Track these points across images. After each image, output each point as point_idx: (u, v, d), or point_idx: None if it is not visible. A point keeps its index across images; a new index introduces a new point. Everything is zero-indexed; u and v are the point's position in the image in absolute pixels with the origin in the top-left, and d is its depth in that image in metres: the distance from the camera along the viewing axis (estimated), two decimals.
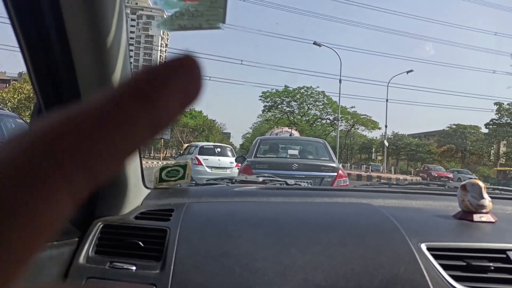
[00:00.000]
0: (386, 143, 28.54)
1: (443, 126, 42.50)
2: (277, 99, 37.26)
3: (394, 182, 2.78)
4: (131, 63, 0.88)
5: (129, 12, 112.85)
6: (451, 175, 26.41)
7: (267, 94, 37.09)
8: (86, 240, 0.87)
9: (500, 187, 1.61)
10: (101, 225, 0.91)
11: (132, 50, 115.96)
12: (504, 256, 0.76)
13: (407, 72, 29.33)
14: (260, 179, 1.61)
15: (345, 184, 4.69)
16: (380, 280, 0.71)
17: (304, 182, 4.41)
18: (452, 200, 1.05)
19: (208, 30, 0.63)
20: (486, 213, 0.92)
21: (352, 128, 40.43)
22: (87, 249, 0.85)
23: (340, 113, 37.01)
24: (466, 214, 0.93)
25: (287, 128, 14.94)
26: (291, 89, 36.63)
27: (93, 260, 0.83)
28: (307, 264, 0.74)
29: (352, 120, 38.69)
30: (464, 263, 0.75)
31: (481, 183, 0.92)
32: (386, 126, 28.97)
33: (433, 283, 0.70)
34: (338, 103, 26.13)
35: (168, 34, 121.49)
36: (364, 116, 38.70)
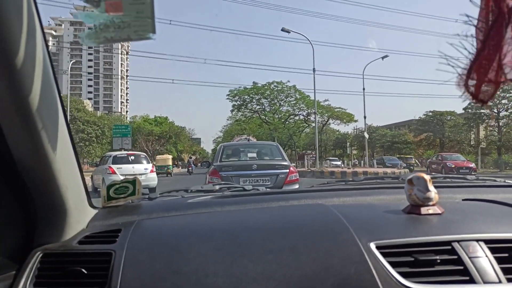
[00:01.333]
0: (367, 135, 26.41)
1: (417, 115, 41.32)
2: (245, 97, 34.55)
3: (351, 179, 1.65)
4: (55, 64, 0.76)
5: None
6: (472, 165, 20.96)
7: (235, 92, 34.32)
8: (24, 272, 0.80)
9: (450, 175, 1.63)
10: (40, 254, 0.84)
11: (91, 57, 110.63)
12: (450, 247, 0.77)
13: (382, 58, 27.41)
14: (217, 187, 1.46)
15: (296, 178, 5.54)
16: (331, 284, 0.71)
17: (263, 178, 5.30)
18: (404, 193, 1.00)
19: (138, 41, 0.64)
20: (433, 205, 0.92)
21: (327, 123, 38.24)
22: (25, 282, 0.79)
23: (314, 107, 34.89)
24: (414, 208, 0.93)
25: (245, 136, 17.49)
26: (260, 85, 34.04)
27: None
28: (259, 275, 0.73)
29: (326, 114, 36.53)
30: (412, 259, 0.75)
31: (426, 176, 0.92)
32: (365, 117, 26.87)
33: (381, 282, 0.71)
34: (313, 94, 23.57)
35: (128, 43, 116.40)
36: (338, 109, 36.67)
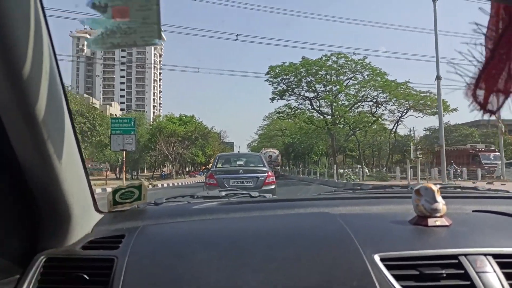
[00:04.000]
0: (503, 126, 15.58)
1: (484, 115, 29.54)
2: (291, 78, 24.64)
3: (359, 187, 1.67)
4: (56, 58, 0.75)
5: None
6: None
7: (277, 70, 24.50)
8: (27, 277, 0.81)
9: (461, 186, 1.63)
10: (44, 259, 0.85)
11: (124, 63, 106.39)
12: (456, 261, 0.76)
13: None
14: (223, 193, 1.51)
15: (272, 181, 7.31)
16: None
17: (247, 180, 7.12)
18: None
19: (144, 46, 0.65)
20: (441, 216, 0.91)
21: (404, 115, 27.31)
22: (27, 286, 0.80)
23: (385, 90, 24.37)
24: (421, 219, 0.92)
25: (271, 149, 19.00)
26: (311, 60, 24.02)
27: None
28: (261, 284, 0.74)
29: (407, 103, 25.72)
30: (417, 272, 0.74)
31: (434, 187, 0.92)
32: None
33: None
34: (434, 44, 13.18)
35: (161, 44, 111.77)
36: (426, 94, 25.64)
